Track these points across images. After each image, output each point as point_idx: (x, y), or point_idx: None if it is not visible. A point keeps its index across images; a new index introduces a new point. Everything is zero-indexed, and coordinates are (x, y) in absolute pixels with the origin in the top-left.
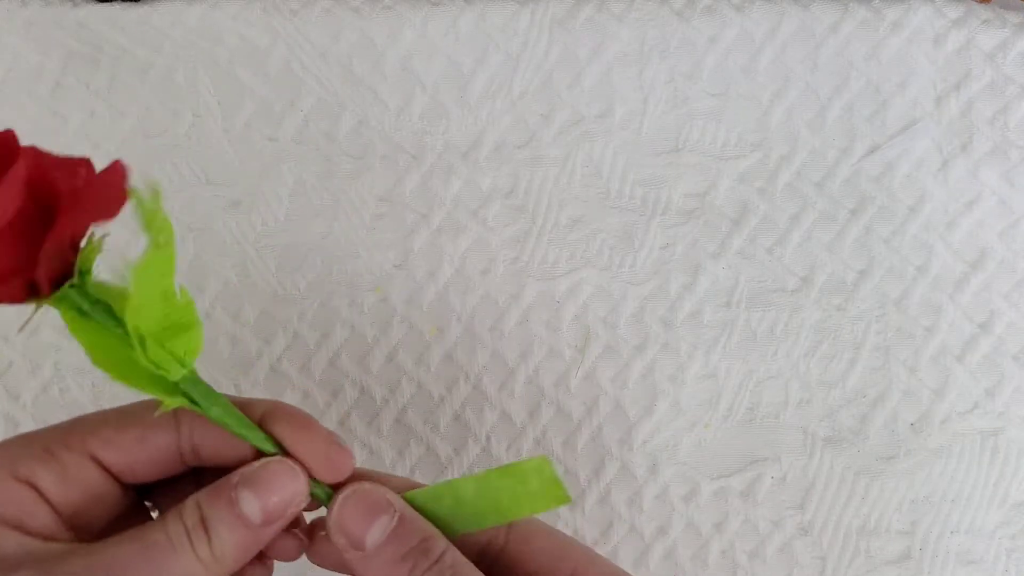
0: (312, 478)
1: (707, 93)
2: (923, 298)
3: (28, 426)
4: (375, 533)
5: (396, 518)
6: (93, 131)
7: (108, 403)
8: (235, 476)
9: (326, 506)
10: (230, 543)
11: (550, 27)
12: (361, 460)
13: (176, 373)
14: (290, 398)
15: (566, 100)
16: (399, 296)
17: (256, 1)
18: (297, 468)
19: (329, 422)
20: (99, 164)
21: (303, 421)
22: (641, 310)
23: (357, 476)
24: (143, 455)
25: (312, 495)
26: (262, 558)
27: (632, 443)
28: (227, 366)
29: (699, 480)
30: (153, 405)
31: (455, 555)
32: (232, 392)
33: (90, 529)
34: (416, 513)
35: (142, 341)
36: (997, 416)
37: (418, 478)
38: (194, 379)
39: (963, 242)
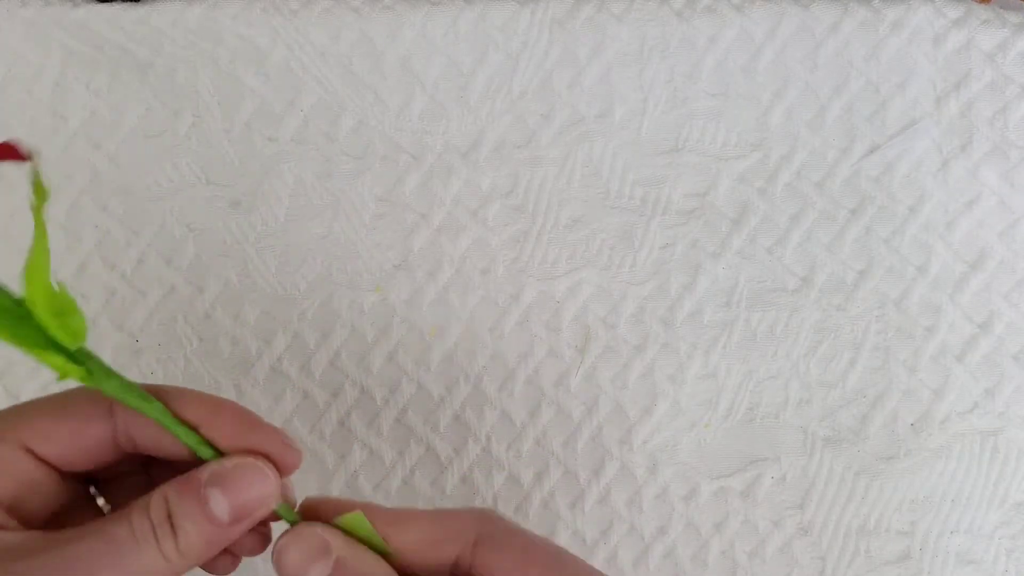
0: None
1: (707, 93)
2: (923, 298)
3: None
4: None
5: (332, 563)
6: (93, 131)
7: None
8: (204, 473)
9: (279, 514)
10: (196, 540)
11: (550, 27)
12: (361, 460)
13: (73, 342)
14: (290, 398)
15: (566, 100)
16: (399, 296)
17: (256, 1)
18: (269, 471)
19: (329, 422)
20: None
21: (251, 421)
22: (641, 310)
23: (308, 506)
24: (79, 445)
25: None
26: (229, 551)
27: (632, 443)
28: (227, 366)
29: (699, 480)
30: (90, 394)
31: None
32: (232, 393)
33: (30, 518)
34: (357, 551)
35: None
36: (997, 416)
37: (418, 478)
38: (89, 354)
39: (963, 242)
